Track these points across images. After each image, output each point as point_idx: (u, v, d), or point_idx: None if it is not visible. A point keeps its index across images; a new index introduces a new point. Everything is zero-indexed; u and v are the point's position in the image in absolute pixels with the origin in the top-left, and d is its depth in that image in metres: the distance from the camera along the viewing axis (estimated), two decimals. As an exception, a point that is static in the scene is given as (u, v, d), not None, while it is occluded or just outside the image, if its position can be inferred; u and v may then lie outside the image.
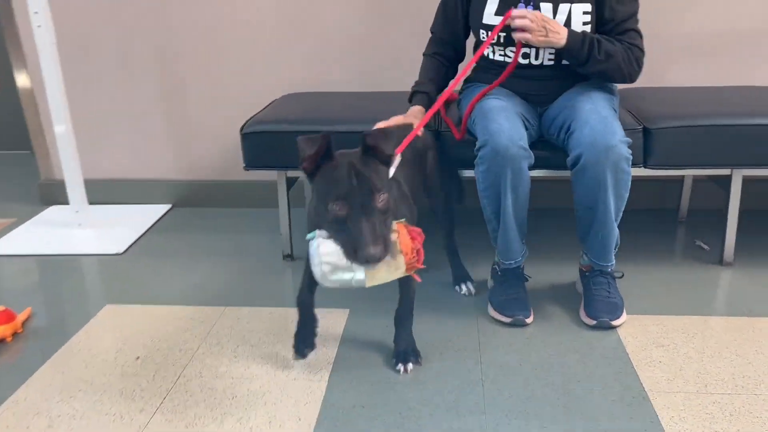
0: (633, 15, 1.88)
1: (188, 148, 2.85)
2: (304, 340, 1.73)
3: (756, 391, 1.54)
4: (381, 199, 1.31)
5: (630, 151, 1.73)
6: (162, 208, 2.86)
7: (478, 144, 1.77)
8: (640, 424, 1.43)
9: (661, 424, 1.43)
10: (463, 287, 2.04)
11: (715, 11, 2.48)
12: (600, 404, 1.50)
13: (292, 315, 1.89)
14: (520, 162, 1.74)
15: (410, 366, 1.66)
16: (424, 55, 2.09)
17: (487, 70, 2.02)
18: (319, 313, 1.92)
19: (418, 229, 1.39)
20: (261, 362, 1.71)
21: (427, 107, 1.97)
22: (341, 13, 2.61)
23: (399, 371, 1.65)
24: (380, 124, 1.84)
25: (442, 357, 1.71)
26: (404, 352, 1.68)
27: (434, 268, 2.20)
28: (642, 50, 1.88)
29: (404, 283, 1.65)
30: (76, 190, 2.60)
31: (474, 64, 2.12)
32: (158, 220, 2.75)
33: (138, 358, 1.75)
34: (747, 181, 2.10)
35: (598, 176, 1.72)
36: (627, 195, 1.77)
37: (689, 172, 2.17)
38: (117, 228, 2.64)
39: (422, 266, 1.39)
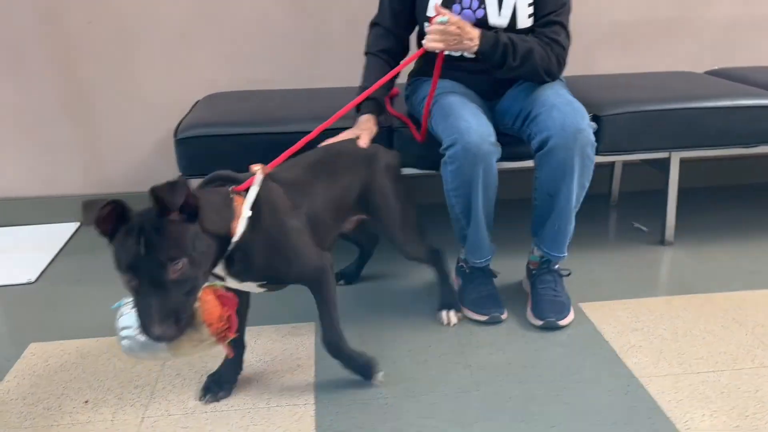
0: (561, 8, 1.81)
1: (97, 159, 2.58)
2: (221, 381, 1.52)
3: (735, 366, 1.58)
4: (176, 269, 1.13)
5: (594, 138, 1.72)
6: (70, 227, 2.57)
7: (445, 143, 1.70)
8: (643, 412, 1.43)
9: (662, 409, 1.43)
10: (444, 316, 1.81)
11: (632, 1, 2.57)
12: (598, 396, 1.49)
13: (253, 333, 1.74)
14: (491, 159, 1.69)
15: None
16: (367, 53, 1.96)
17: (433, 63, 1.95)
18: (284, 329, 1.80)
19: (230, 294, 1.25)
20: (233, 391, 1.54)
21: (377, 114, 1.86)
22: (262, 6, 2.45)
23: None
24: (330, 141, 1.72)
25: (428, 365, 1.63)
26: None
27: (392, 275, 2.12)
28: (563, 46, 1.80)
29: (315, 296, 1.46)
30: (-32, 213, 2.26)
31: (420, 59, 2.05)
32: (68, 241, 2.46)
33: (87, 401, 1.53)
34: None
35: (565, 161, 1.69)
36: (588, 186, 1.77)
37: (633, 157, 2.22)
38: (22, 253, 2.33)
39: (234, 335, 1.24)
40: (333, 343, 1.48)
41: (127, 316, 1.19)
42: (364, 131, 1.76)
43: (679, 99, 2.09)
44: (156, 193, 1.11)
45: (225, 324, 1.20)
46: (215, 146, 1.94)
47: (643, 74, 2.49)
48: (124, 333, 1.19)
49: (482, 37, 1.70)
